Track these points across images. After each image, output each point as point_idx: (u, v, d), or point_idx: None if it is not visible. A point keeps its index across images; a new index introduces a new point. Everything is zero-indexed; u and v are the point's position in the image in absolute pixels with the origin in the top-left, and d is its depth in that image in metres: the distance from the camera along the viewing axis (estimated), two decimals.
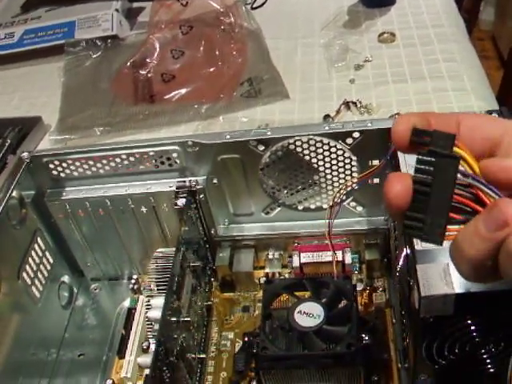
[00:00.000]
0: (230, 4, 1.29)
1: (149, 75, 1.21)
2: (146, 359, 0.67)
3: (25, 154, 0.76)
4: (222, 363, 0.74)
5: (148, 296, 0.69)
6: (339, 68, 1.12)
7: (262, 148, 0.70)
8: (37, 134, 1.11)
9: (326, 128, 0.69)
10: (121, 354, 0.76)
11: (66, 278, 0.85)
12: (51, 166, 0.76)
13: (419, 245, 0.54)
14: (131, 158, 0.74)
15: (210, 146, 0.71)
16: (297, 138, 0.69)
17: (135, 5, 1.48)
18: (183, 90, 1.13)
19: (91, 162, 0.75)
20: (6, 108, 1.22)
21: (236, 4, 1.31)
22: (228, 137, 0.70)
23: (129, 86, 1.19)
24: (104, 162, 0.74)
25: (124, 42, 1.35)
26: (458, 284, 0.50)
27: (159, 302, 0.64)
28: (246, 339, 0.71)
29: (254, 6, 1.40)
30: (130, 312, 0.80)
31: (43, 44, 1.36)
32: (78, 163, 0.75)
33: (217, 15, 1.28)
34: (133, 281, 0.82)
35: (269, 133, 0.69)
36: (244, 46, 1.21)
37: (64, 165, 0.76)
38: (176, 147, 0.72)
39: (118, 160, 0.74)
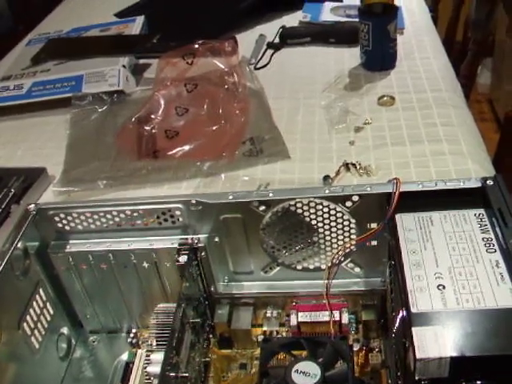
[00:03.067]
0: (235, 64, 1.33)
1: (153, 131, 1.23)
2: None
3: (31, 206, 0.77)
4: None
5: (148, 351, 0.69)
6: (339, 130, 1.14)
7: (263, 208, 0.72)
8: (40, 185, 1.12)
9: (327, 191, 0.71)
10: None
11: (65, 330, 0.85)
12: (56, 218, 0.78)
13: (415, 307, 0.56)
14: (135, 214, 0.75)
15: (213, 205, 0.73)
16: (298, 200, 0.71)
17: (142, 61, 1.52)
18: (186, 147, 1.15)
19: (96, 217, 0.76)
20: (12, 157, 1.24)
21: (240, 64, 1.34)
22: (231, 197, 0.72)
23: (133, 141, 1.21)
24: (108, 216, 0.76)
25: (130, 97, 1.37)
26: (453, 347, 0.52)
27: (159, 356, 0.65)
28: None
29: (257, 66, 1.43)
30: (128, 366, 0.81)
31: (51, 96, 1.39)
32: (82, 217, 0.77)
33: (221, 74, 1.31)
34: (131, 334, 0.83)
35: (271, 194, 0.71)
36: (247, 106, 1.23)
37: (69, 218, 0.77)
38: (180, 205, 0.73)
39: (122, 216, 0.76)
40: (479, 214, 0.65)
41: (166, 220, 0.76)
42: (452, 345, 0.52)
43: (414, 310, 0.55)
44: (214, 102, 1.26)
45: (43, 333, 0.80)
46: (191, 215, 0.74)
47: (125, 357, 0.83)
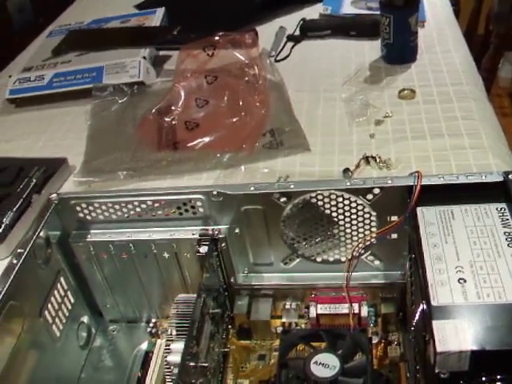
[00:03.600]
0: (255, 56, 1.32)
1: (173, 122, 1.23)
2: None
3: (53, 196, 0.78)
4: None
5: (168, 340, 0.70)
6: (360, 123, 1.14)
7: (284, 200, 0.72)
8: (61, 175, 1.13)
9: (348, 184, 0.71)
10: None
11: (85, 319, 0.86)
12: (78, 208, 0.78)
13: (435, 301, 0.56)
14: (156, 205, 0.76)
15: (234, 196, 0.73)
16: (319, 192, 0.71)
17: (162, 53, 1.52)
18: (206, 139, 1.16)
19: (117, 207, 0.77)
20: (33, 147, 1.25)
21: (260, 56, 1.34)
22: (252, 188, 0.72)
23: (153, 133, 1.22)
24: (130, 207, 0.77)
25: (150, 88, 1.38)
26: (474, 341, 0.52)
27: (179, 346, 0.66)
28: None
29: (277, 58, 1.43)
30: (147, 355, 0.81)
31: (72, 87, 1.40)
32: (104, 207, 0.77)
33: (241, 66, 1.31)
34: (151, 324, 0.84)
35: (292, 186, 0.72)
36: (267, 98, 1.23)
37: (90, 208, 0.78)
38: (201, 196, 0.74)
39: (143, 206, 0.76)
40: (501, 209, 0.65)
41: (186, 211, 0.76)
42: (472, 338, 0.52)
43: (434, 303, 0.55)
44: (234, 93, 1.26)
45: (64, 321, 0.81)
46: (212, 206, 0.75)
47: (144, 346, 0.84)
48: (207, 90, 1.29)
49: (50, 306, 0.77)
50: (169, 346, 0.68)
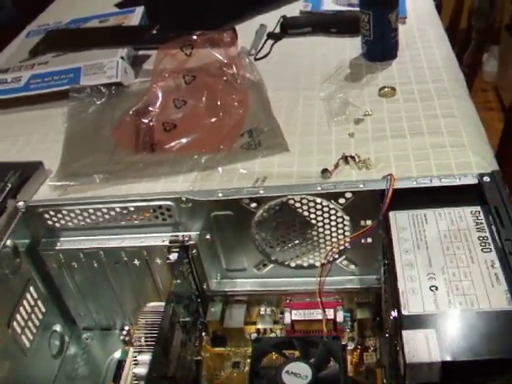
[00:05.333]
0: (234, 55, 1.30)
1: (150, 124, 1.21)
2: None
3: (20, 204, 0.77)
4: None
5: (136, 351, 0.68)
6: (339, 122, 1.12)
7: (254, 205, 0.71)
8: (37, 179, 1.10)
9: (319, 188, 0.69)
10: None
11: (57, 327, 0.85)
12: (46, 216, 0.77)
13: (406, 309, 0.54)
14: (125, 212, 0.74)
15: (203, 202, 0.71)
16: (290, 197, 0.70)
17: (141, 53, 1.50)
18: (184, 140, 1.13)
19: (86, 214, 0.75)
20: (9, 151, 1.23)
21: (239, 55, 1.32)
22: (220, 194, 0.71)
23: (130, 134, 1.19)
24: (98, 214, 0.75)
25: (128, 89, 1.35)
26: (445, 351, 0.50)
27: (146, 358, 0.64)
28: None
29: (257, 57, 1.41)
30: (121, 364, 0.80)
31: (49, 89, 1.37)
32: (72, 214, 0.76)
33: (220, 66, 1.28)
34: (124, 332, 0.83)
35: (261, 191, 0.70)
36: (246, 97, 1.21)
37: (59, 215, 0.76)
38: (170, 203, 0.72)
39: (112, 213, 0.75)
40: (475, 212, 0.63)
41: (156, 217, 0.74)
42: (443, 349, 0.50)
43: (405, 312, 0.54)
44: (213, 93, 1.24)
45: (34, 331, 0.79)
46: (182, 212, 0.73)
47: (118, 354, 0.83)
48: (185, 91, 1.27)
49: (18, 316, 0.76)
50: (136, 357, 0.67)
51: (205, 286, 0.79)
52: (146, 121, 1.21)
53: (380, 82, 1.23)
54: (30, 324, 0.78)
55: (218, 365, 0.78)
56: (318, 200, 0.70)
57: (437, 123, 1.08)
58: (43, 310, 0.81)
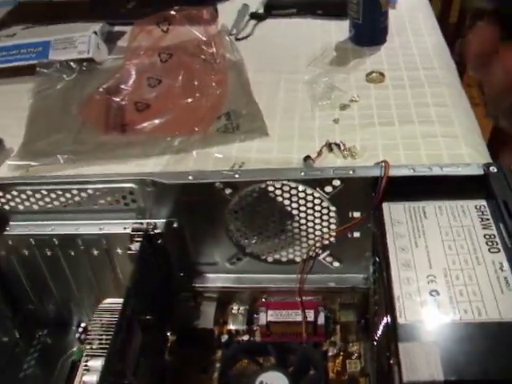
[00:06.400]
0: (213, 33, 1.24)
1: (122, 103, 1.14)
2: None
3: None
4: None
5: (87, 355, 0.60)
6: (323, 107, 1.06)
7: (229, 192, 0.63)
8: None
9: (302, 174, 0.61)
10: None
11: (6, 323, 0.76)
12: None
13: (402, 318, 0.47)
14: (83, 194, 0.66)
15: (171, 186, 0.63)
16: (269, 183, 0.62)
17: (116, 29, 1.43)
18: (157, 121, 1.07)
19: (38, 196, 0.67)
20: None
21: (219, 34, 1.26)
22: (191, 178, 0.62)
23: (100, 113, 1.12)
24: (53, 196, 0.67)
25: (101, 66, 1.29)
26: (448, 369, 0.43)
27: (98, 364, 0.56)
28: None
29: (238, 37, 1.34)
30: (75, 365, 0.72)
31: (15, 63, 1.30)
32: (23, 195, 0.67)
33: (198, 44, 1.23)
34: (80, 329, 0.74)
35: (237, 175, 0.62)
36: (225, 78, 1.15)
37: (8, 196, 0.68)
38: (133, 185, 0.64)
39: (68, 195, 0.66)
40: (480, 206, 0.56)
41: (117, 201, 0.66)
42: (446, 366, 0.43)
43: (401, 320, 0.46)
44: (190, 73, 1.18)
45: None
46: (147, 197, 0.65)
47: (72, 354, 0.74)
48: (161, 69, 1.21)
49: None
50: (87, 362, 0.58)
51: (171, 281, 0.71)
52: (117, 99, 1.15)
53: (368, 67, 1.18)
54: None
55: (184, 369, 0.70)
56: (301, 187, 0.62)
57: (427, 112, 1.04)
58: None
